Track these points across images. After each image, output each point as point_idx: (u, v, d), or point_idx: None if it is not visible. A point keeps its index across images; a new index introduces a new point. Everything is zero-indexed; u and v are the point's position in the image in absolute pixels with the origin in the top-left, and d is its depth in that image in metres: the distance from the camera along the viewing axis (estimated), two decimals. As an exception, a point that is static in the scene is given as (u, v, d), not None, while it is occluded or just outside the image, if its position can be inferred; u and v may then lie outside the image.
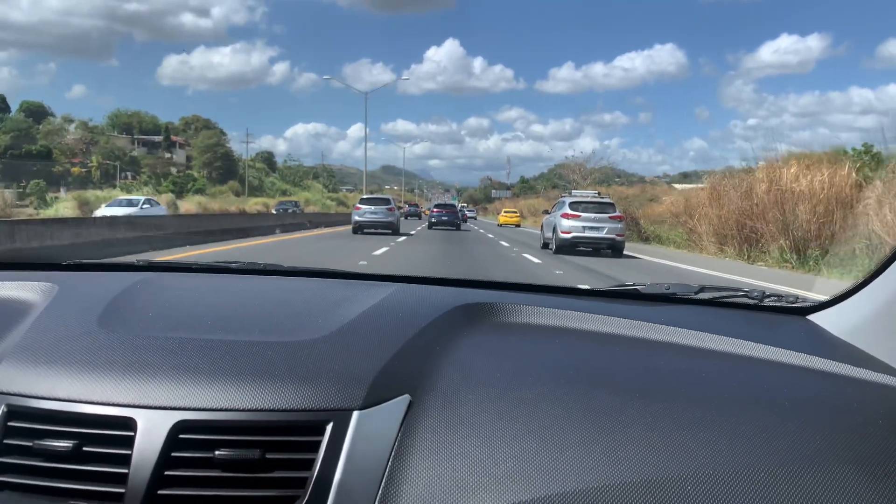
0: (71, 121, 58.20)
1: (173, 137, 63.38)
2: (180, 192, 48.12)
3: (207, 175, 58.77)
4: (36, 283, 1.08)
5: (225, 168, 59.90)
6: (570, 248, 13.23)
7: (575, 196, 14.66)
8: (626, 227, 14.86)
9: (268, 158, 76.13)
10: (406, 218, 43.41)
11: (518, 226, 40.85)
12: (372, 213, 19.22)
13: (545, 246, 15.10)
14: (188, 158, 61.96)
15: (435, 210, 28.68)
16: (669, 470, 0.65)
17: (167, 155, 61.43)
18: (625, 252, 13.60)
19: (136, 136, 61.13)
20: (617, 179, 56.07)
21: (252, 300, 1.11)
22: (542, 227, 16.38)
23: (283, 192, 60.67)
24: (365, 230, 19.00)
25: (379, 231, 19.10)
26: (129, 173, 54.05)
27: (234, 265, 1.39)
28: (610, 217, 13.28)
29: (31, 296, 1.03)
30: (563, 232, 13.15)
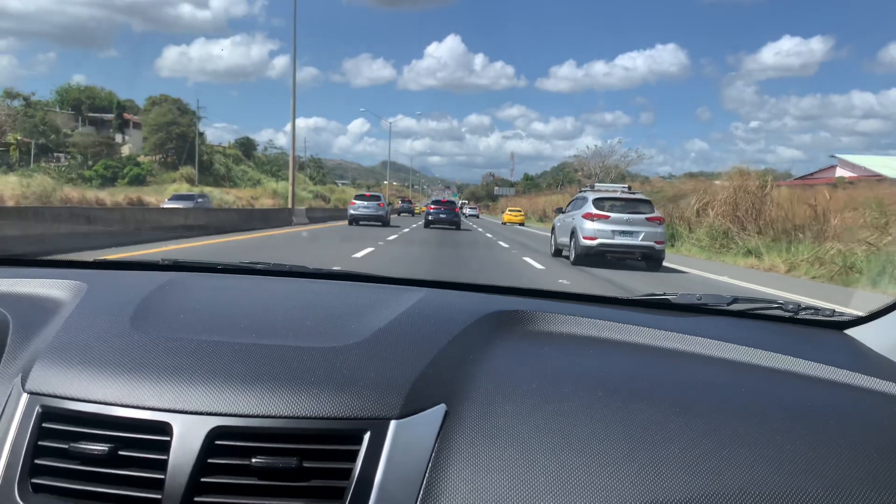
0: (14, 95, 55.28)
1: (126, 116, 60.64)
2: (113, 179, 45.78)
3: (161, 159, 55.76)
4: (65, 280, 1.15)
5: (182, 151, 55.36)
6: (594, 257, 11.53)
7: (600, 191, 12.78)
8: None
9: (244, 144, 73.62)
10: (399, 215, 46.71)
11: (522, 224, 44.34)
12: (365, 207, 25.58)
13: (558, 253, 13.42)
14: (146, 140, 58.71)
15: (432, 207, 27.95)
16: (711, 488, 0.69)
17: (119, 136, 59.11)
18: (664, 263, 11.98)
19: (84, 115, 58.81)
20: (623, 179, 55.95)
21: (281, 303, 1.16)
22: (553, 229, 14.42)
23: (257, 182, 58.53)
24: (359, 222, 25.38)
25: (371, 223, 25.09)
26: (61, 154, 51.53)
27: (259, 266, 1.48)
28: (647, 219, 11.50)
29: (60, 294, 1.10)
30: (585, 237, 11.39)
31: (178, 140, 55.47)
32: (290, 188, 28.33)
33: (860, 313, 1.17)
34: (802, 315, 1.23)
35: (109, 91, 63.86)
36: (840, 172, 35.46)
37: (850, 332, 1.16)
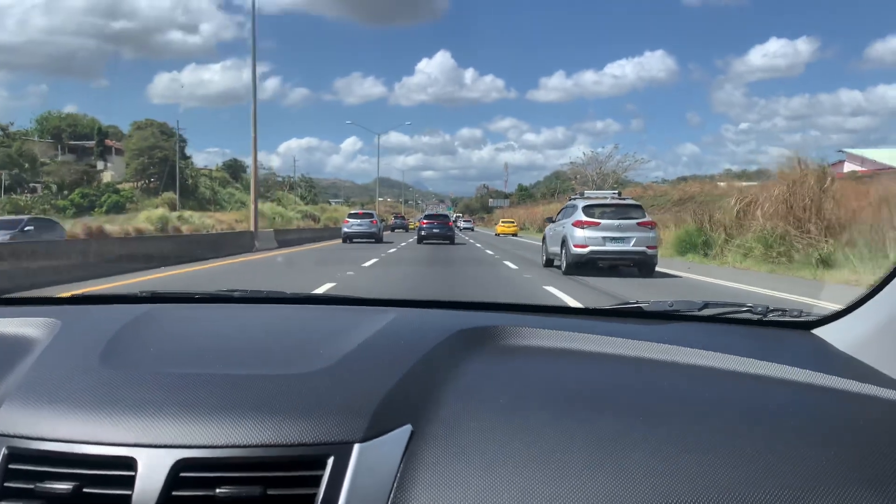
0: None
1: (108, 142, 60.43)
2: (90, 208, 45.08)
3: (144, 185, 55.36)
4: (39, 318, 1.17)
5: (165, 176, 54.66)
6: (585, 266, 11.42)
7: (590, 198, 12.77)
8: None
9: (231, 167, 73.61)
10: (392, 231, 47.21)
11: (515, 235, 44.94)
12: (358, 225, 26.55)
13: (549, 263, 13.30)
14: (128, 165, 57.97)
15: (424, 222, 27.42)
16: (676, 495, 0.71)
17: (102, 163, 58.72)
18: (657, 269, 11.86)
19: (64, 143, 58.53)
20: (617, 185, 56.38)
21: (254, 331, 1.21)
22: (543, 238, 14.32)
23: (243, 205, 58.23)
24: (353, 240, 26.11)
25: (364, 241, 25.88)
26: (38, 185, 51.06)
27: (236, 293, 1.51)
28: (638, 224, 11.46)
29: (33, 332, 1.12)
30: (576, 245, 11.33)
31: (161, 165, 54.49)
32: (252, 207, 23.03)
33: (828, 311, 1.19)
34: (771, 317, 1.27)
35: (91, 118, 64.06)
36: (848, 167, 35.12)
37: (816, 331, 1.19)
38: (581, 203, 12.12)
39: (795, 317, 1.26)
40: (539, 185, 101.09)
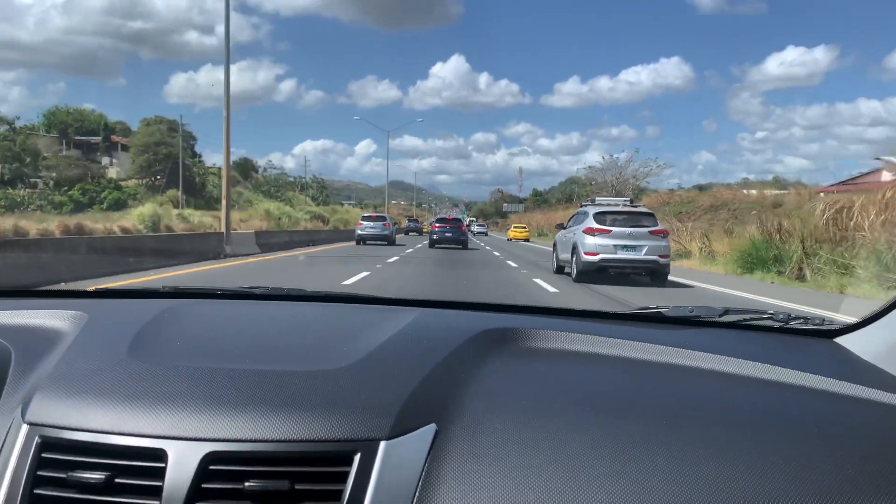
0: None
1: (115, 138, 61.05)
2: (90, 204, 44.73)
3: (149, 182, 55.32)
4: (66, 311, 1.23)
5: (172, 173, 54.41)
6: (596, 273, 11.54)
7: (601, 205, 12.91)
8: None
9: (242, 165, 73.59)
10: (406, 234, 48.08)
11: (527, 240, 47.11)
12: (371, 227, 28.38)
13: (560, 270, 13.44)
14: (133, 162, 58.07)
15: (437, 226, 27.46)
16: (700, 500, 0.73)
17: (107, 159, 59.37)
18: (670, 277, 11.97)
19: (70, 138, 59.21)
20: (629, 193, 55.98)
21: (277, 328, 1.25)
22: (554, 244, 14.47)
23: (251, 204, 58.25)
24: (367, 242, 27.77)
25: (377, 242, 27.71)
26: (38, 180, 50.83)
27: (258, 290, 1.57)
28: (650, 232, 11.57)
29: (61, 324, 1.19)
30: (587, 253, 11.47)
31: (167, 161, 54.35)
32: (224, 203, 19.99)
33: (851, 320, 1.22)
34: (793, 325, 1.30)
35: (100, 114, 64.42)
36: (886, 175, 34.63)
37: (839, 340, 1.22)
38: (592, 210, 12.26)
39: (818, 325, 1.29)
40: (554, 191, 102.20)
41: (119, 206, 44.87)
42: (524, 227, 51.86)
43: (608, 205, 12.96)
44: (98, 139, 60.41)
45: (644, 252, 11.40)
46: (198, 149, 65.39)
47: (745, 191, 35.66)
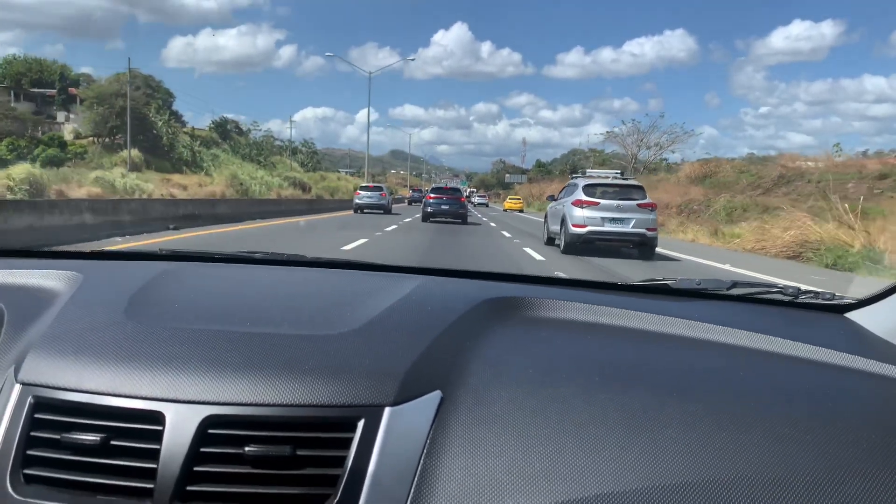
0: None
1: (73, 91, 59.66)
2: (20, 161, 38.02)
3: (106, 139, 51.99)
4: (60, 271, 1.32)
5: (134, 131, 50.65)
6: (584, 245, 13.11)
7: (591, 177, 14.47)
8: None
9: (221, 126, 72.82)
10: (410, 204, 52.21)
11: (521, 210, 55.61)
12: (368, 197, 32.76)
13: (550, 241, 15.06)
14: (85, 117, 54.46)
15: (432, 196, 26.83)
16: (711, 473, 0.79)
17: (65, 113, 58.23)
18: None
19: (24, 90, 58.08)
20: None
21: (278, 292, 1.35)
22: (545, 216, 16.16)
23: (222, 168, 56.36)
24: (364, 210, 32.16)
25: (374, 211, 32.00)
26: None
27: (257, 255, 1.71)
28: (638, 205, 13.12)
29: (55, 284, 1.27)
30: (575, 225, 13.00)
31: (123, 116, 49.90)
32: None
33: (861, 296, 1.32)
34: (802, 299, 1.41)
35: (62, 64, 63.47)
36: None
37: (850, 315, 1.32)
38: (582, 182, 13.75)
39: (828, 300, 1.39)
40: (556, 162, 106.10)
41: (55, 163, 40.74)
42: (519, 199, 62.49)
43: (598, 177, 14.52)
44: (54, 91, 59.50)
45: (632, 225, 12.93)
46: (178, 108, 64.88)
47: (806, 161, 33.72)
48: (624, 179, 14.51)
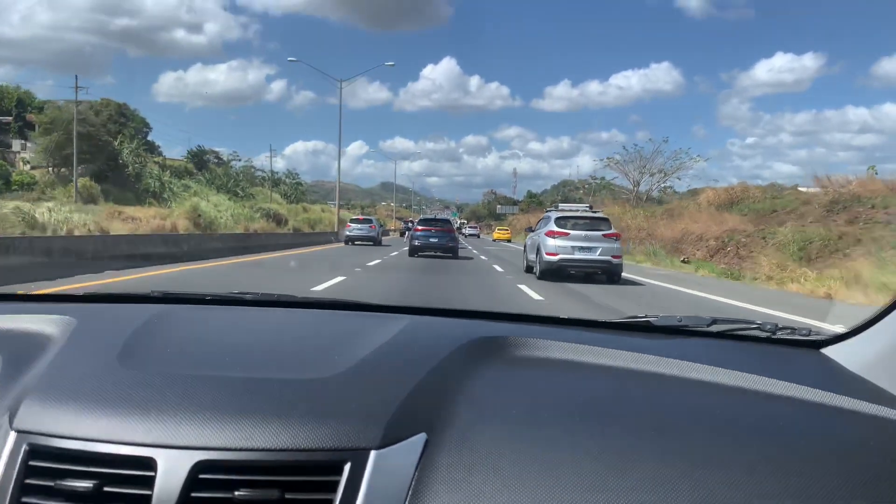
0: None
1: (30, 117, 60.80)
2: None
3: (61, 169, 52.65)
4: (55, 316, 1.54)
5: (95, 160, 51.98)
6: (556, 272, 16.29)
7: (562, 210, 17.99)
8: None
9: (197, 156, 74.72)
10: (401, 235, 57.00)
11: (509, 241, 63.13)
12: (358, 229, 38.12)
13: (529, 269, 18.34)
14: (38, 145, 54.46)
15: (420, 228, 26.59)
16: None
17: (20, 140, 59.07)
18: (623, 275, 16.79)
19: None
20: (624, 196, 57.37)
21: (268, 334, 1.61)
22: (525, 246, 19.58)
23: (201, 199, 51.61)
24: (355, 242, 37.29)
25: (364, 243, 36.90)
26: None
27: (248, 296, 1.99)
28: (604, 235, 16.47)
29: (50, 329, 1.47)
30: (548, 253, 16.30)
31: (86, 145, 51.30)
32: None
33: (838, 331, 1.53)
34: (780, 335, 1.63)
35: (26, 91, 66.17)
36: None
37: (826, 350, 1.53)
38: (554, 214, 17.19)
39: (804, 335, 1.60)
40: (547, 193, 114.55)
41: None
42: (507, 230, 72.94)
43: (569, 210, 17.99)
44: (9, 119, 60.29)
45: (598, 253, 16.27)
46: (154, 138, 65.44)
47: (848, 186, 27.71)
48: (592, 213, 17.97)
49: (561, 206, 19.61)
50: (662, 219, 40.35)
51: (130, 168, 56.99)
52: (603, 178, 64.51)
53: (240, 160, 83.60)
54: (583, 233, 16.63)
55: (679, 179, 55.79)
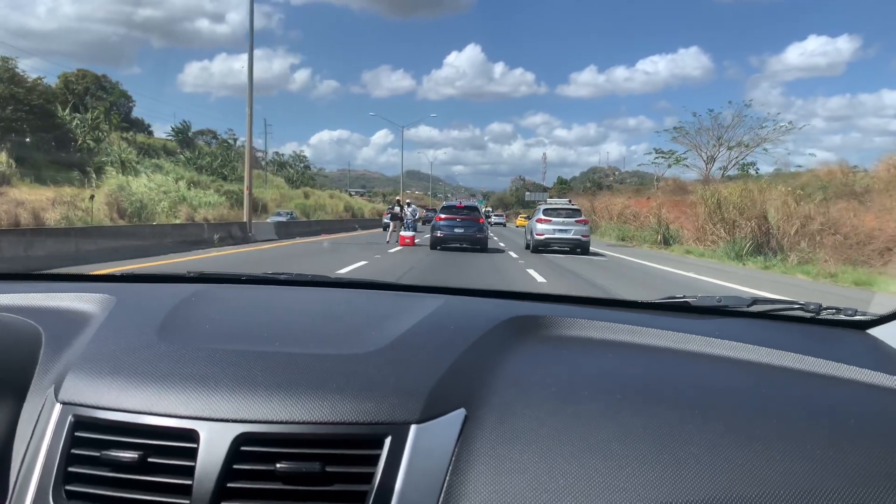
0: None
1: None
2: None
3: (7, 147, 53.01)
4: (94, 294, 2.02)
5: (45, 138, 56.44)
6: (542, 247, 28.98)
7: (549, 204, 31.65)
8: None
9: (181, 132, 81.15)
10: (423, 224, 61.36)
11: None
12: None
13: (527, 246, 31.23)
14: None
15: (442, 217, 29.33)
16: (734, 489, 1.15)
17: None
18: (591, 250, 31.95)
19: None
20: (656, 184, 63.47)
21: (303, 312, 2.08)
22: (525, 229, 33.45)
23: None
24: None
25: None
26: None
27: (282, 276, 2.66)
28: (576, 221, 29.62)
29: (90, 307, 1.93)
30: (537, 234, 29.28)
31: (35, 119, 56.23)
32: None
33: (883, 312, 1.88)
34: (824, 315, 2.00)
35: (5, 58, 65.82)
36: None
37: (872, 331, 1.89)
38: (542, 207, 32.95)
39: (850, 316, 1.95)
40: (576, 180, 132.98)
41: None
42: (528, 216, 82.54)
43: (553, 204, 31.32)
44: None
45: (572, 233, 30.86)
46: (140, 115, 71.43)
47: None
48: (570, 205, 33.71)
49: (549, 201, 33.98)
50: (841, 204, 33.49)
51: (82, 142, 62.75)
52: (672, 152, 64.82)
53: (236, 140, 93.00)
54: (561, 220, 31.36)
55: (766, 151, 58.67)
